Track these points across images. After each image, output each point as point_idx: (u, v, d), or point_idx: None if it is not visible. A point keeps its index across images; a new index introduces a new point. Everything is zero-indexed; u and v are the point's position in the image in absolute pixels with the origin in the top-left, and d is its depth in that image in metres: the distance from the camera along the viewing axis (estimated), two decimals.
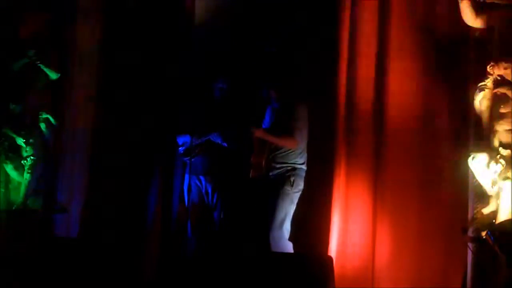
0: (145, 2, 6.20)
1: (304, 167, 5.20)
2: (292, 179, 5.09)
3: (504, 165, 4.30)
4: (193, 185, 5.59)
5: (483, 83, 4.50)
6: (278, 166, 5.13)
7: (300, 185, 5.14)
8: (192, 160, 5.42)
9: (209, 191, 5.51)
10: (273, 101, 5.31)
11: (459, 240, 4.71)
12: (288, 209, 5.04)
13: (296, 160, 5.14)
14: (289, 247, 5.00)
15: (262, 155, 5.17)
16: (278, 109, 5.27)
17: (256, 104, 5.44)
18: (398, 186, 5.23)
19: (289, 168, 5.12)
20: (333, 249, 5.27)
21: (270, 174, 5.14)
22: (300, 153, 5.17)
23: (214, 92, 5.66)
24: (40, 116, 5.92)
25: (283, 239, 4.98)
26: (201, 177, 5.55)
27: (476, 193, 4.53)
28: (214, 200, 5.51)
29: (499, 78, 4.44)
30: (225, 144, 5.38)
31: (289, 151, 5.14)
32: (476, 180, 4.47)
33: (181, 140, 5.66)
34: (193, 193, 5.54)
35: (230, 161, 5.51)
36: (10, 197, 5.88)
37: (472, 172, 4.49)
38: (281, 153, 5.14)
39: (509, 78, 4.41)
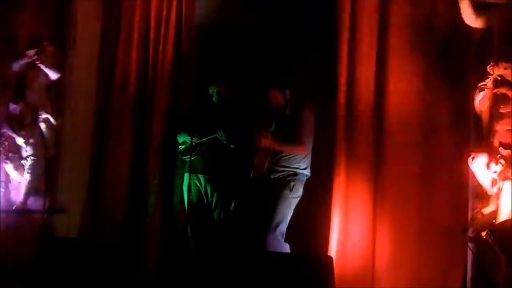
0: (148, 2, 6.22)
1: (306, 172, 5.14)
2: (292, 184, 5.03)
3: (504, 165, 4.29)
4: (192, 185, 5.57)
5: (483, 83, 4.49)
6: (280, 169, 5.07)
7: (299, 191, 5.08)
8: (192, 159, 5.40)
9: (208, 191, 5.50)
10: (279, 105, 5.21)
11: (459, 240, 4.71)
12: (285, 213, 4.99)
13: (299, 164, 5.08)
14: (285, 249, 4.98)
15: (265, 156, 5.12)
16: (285, 114, 5.18)
17: (260, 106, 5.39)
18: (398, 186, 5.23)
19: (291, 172, 5.06)
20: (333, 249, 5.27)
21: (271, 176, 5.09)
22: (304, 158, 5.11)
23: (212, 95, 5.64)
24: (40, 116, 5.93)
25: (278, 241, 4.92)
26: (200, 177, 5.53)
27: (476, 193, 4.52)
28: (214, 200, 5.50)
29: (499, 78, 4.43)
30: (232, 146, 5.37)
31: (293, 156, 5.07)
32: (476, 180, 4.47)
33: (181, 138, 5.64)
34: (193, 193, 5.53)
35: (230, 161, 5.49)
36: (10, 197, 5.88)
37: (472, 172, 4.48)
38: (284, 156, 5.07)
39: (509, 78, 4.40)
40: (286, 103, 5.20)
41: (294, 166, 5.07)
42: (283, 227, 4.98)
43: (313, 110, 5.17)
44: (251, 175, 5.20)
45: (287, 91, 5.19)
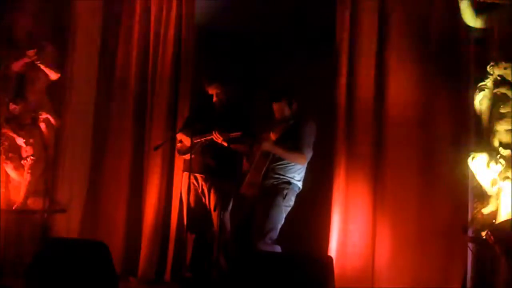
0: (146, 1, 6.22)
1: (299, 184, 5.07)
2: (285, 192, 4.95)
3: (504, 165, 4.29)
4: (190, 185, 5.54)
5: (483, 83, 4.49)
6: (275, 176, 5.01)
7: (291, 200, 5.02)
8: (190, 157, 5.37)
9: (205, 191, 5.48)
10: (285, 116, 5.16)
11: (459, 240, 4.71)
12: (276, 220, 4.90)
13: (293, 175, 5.02)
14: (276, 251, 4.94)
15: (259, 173, 5.06)
16: (287, 123, 5.14)
17: (259, 111, 5.37)
18: (398, 186, 5.23)
19: (285, 180, 5.01)
20: (333, 249, 5.27)
21: (265, 182, 5.02)
22: (299, 169, 5.06)
23: (212, 95, 5.63)
24: (40, 116, 5.93)
25: (268, 246, 4.87)
26: (198, 177, 5.51)
27: (476, 193, 4.53)
28: (212, 201, 5.47)
29: (499, 78, 4.43)
30: (225, 144, 5.34)
31: (289, 165, 5.02)
32: (476, 180, 4.47)
33: (180, 136, 5.62)
34: (191, 193, 5.51)
35: (227, 162, 5.47)
36: (10, 197, 5.88)
37: (472, 172, 4.48)
38: (280, 165, 5.01)
39: (509, 78, 4.40)
40: (292, 114, 5.16)
41: (289, 175, 5.01)
42: (274, 234, 4.90)
43: (315, 122, 5.12)
44: (241, 190, 5.11)
45: (294, 104, 5.14)
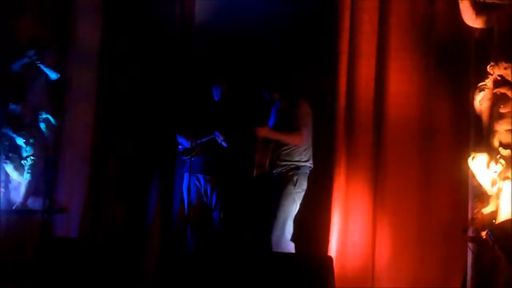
0: (146, 2, 6.22)
1: (308, 164, 5.15)
2: (295, 178, 5.05)
3: (504, 165, 4.30)
4: (192, 185, 5.57)
5: (483, 83, 4.50)
6: (282, 164, 5.08)
7: (303, 184, 5.11)
8: (192, 159, 5.39)
9: (208, 191, 5.50)
10: (276, 101, 5.27)
11: (459, 240, 4.71)
12: (290, 209, 5.01)
13: (300, 157, 5.11)
14: (290, 247, 4.99)
15: (266, 153, 5.12)
16: (282, 108, 5.23)
17: (259, 105, 5.41)
18: (398, 186, 5.23)
19: (293, 166, 5.08)
20: (333, 249, 5.28)
21: (274, 171, 5.10)
22: (305, 150, 5.13)
23: (213, 95, 5.63)
24: (40, 116, 5.93)
25: (285, 239, 4.95)
26: (200, 177, 5.53)
27: (476, 193, 4.53)
28: (214, 201, 5.49)
29: (499, 78, 4.44)
30: (225, 144, 5.36)
31: (294, 149, 5.09)
32: (476, 180, 4.47)
33: (180, 139, 5.64)
34: (192, 193, 5.53)
35: (229, 161, 5.49)
36: (10, 197, 5.88)
37: (472, 172, 4.48)
38: (285, 150, 5.10)
39: (509, 78, 4.41)
40: (281, 100, 5.23)
41: (296, 159, 5.08)
42: (290, 223, 4.99)
43: (309, 104, 5.19)
44: (254, 173, 5.19)
45: (278, 91, 5.24)
